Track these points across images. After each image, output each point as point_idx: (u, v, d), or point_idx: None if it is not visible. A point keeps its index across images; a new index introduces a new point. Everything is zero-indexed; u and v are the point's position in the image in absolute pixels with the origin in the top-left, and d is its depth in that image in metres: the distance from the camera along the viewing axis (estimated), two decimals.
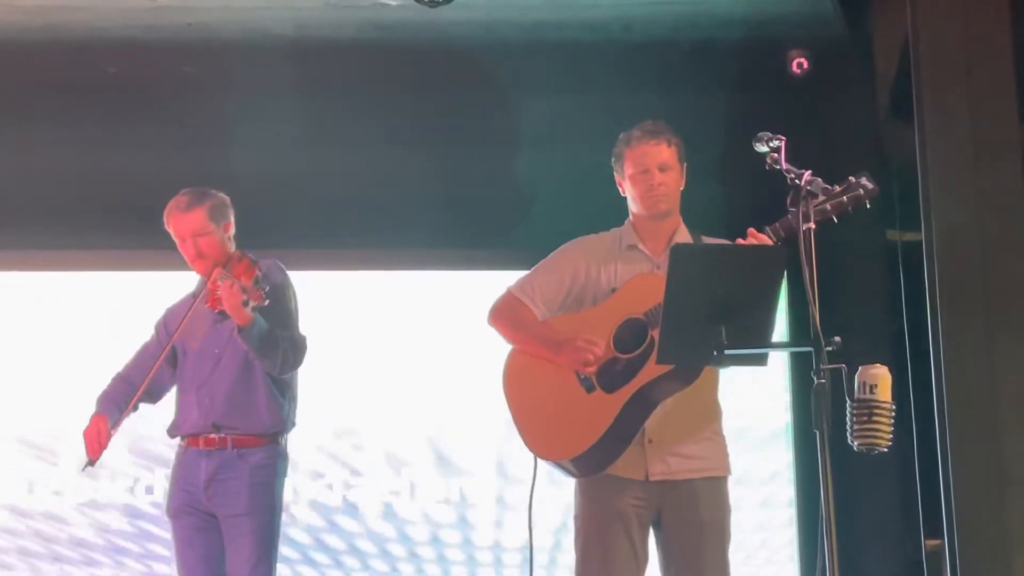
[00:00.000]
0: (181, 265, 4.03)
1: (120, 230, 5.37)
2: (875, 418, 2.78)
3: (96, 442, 3.79)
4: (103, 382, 3.97)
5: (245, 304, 3.55)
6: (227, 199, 3.89)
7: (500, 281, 3.62)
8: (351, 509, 5.49)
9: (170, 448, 4.00)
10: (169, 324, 3.94)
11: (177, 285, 4.04)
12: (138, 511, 5.46)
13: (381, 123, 5.41)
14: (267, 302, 3.59)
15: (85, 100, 5.39)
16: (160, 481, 5.37)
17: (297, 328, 3.84)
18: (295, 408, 3.89)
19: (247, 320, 3.59)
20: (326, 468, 5.49)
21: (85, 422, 3.85)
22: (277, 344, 3.70)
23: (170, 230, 3.85)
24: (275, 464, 3.81)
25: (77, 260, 5.62)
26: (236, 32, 5.21)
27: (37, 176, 5.43)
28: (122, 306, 5.36)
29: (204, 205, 3.82)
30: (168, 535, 4.00)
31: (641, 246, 3.50)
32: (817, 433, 2.78)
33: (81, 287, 5.58)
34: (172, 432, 3.92)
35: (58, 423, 5.43)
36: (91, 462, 3.81)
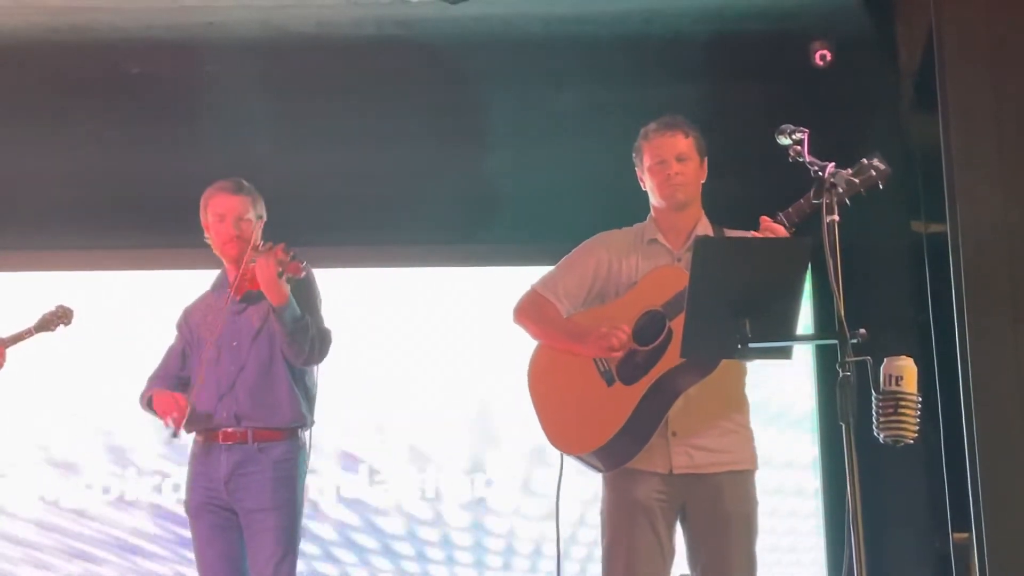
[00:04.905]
0: (205, 263, 4.05)
1: (145, 229, 5.40)
2: (901, 410, 2.77)
3: (177, 410, 3.71)
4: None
5: (280, 276, 3.60)
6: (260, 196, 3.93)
7: (524, 276, 3.63)
8: (373, 506, 5.51)
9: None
10: (189, 319, 3.96)
11: (202, 284, 4.05)
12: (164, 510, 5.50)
13: (402, 119, 5.41)
14: (303, 274, 3.65)
15: (108, 100, 5.42)
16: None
17: (323, 320, 3.86)
18: (314, 405, 3.89)
19: (283, 298, 3.63)
20: (343, 467, 5.50)
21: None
22: (307, 330, 3.72)
23: (208, 210, 3.88)
24: (296, 458, 3.80)
25: (100, 260, 5.64)
26: (257, 30, 5.22)
27: (60, 176, 5.46)
28: (146, 304, 5.38)
29: (249, 194, 3.88)
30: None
31: (662, 240, 3.50)
32: (843, 425, 2.78)
33: (103, 286, 5.59)
34: (189, 427, 3.85)
35: (80, 424, 5.51)
36: (175, 434, 3.74)
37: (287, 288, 3.65)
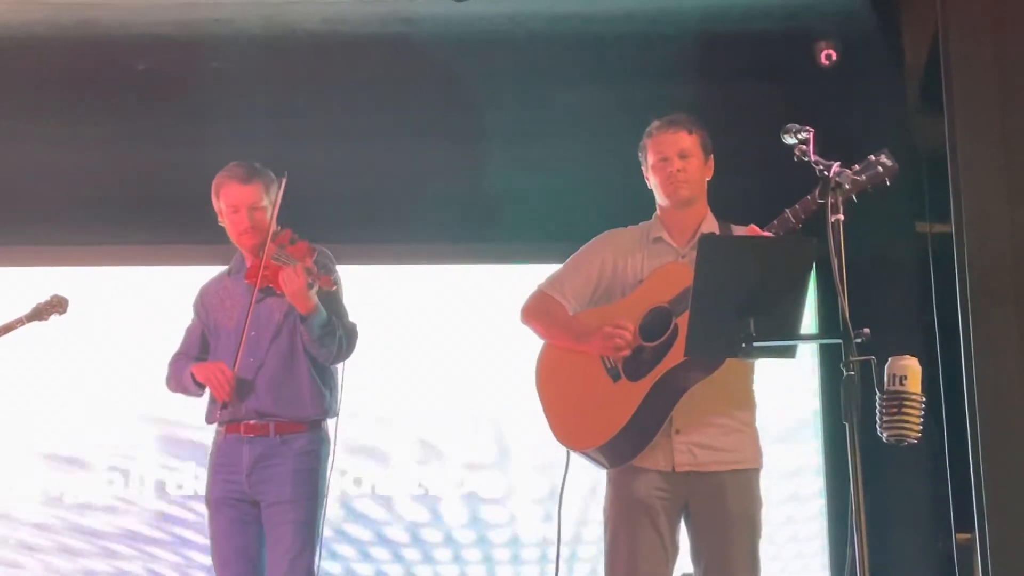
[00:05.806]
0: (213, 260, 4.04)
1: (151, 225, 5.40)
2: (905, 410, 2.77)
3: (223, 382, 3.66)
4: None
5: (311, 287, 3.56)
6: (274, 177, 3.85)
7: (527, 275, 3.63)
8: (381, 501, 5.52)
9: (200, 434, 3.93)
10: (205, 301, 3.93)
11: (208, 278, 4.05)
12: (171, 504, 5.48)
13: (407, 117, 5.41)
14: (335, 287, 3.60)
15: (114, 96, 5.42)
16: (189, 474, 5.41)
17: (347, 315, 3.83)
18: (336, 396, 3.85)
19: (311, 307, 3.60)
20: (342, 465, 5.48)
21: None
22: (334, 332, 3.69)
23: (220, 201, 3.82)
24: (318, 450, 3.77)
25: (107, 256, 5.64)
26: (263, 27, 5.22)
27: (67, 172, 5.47)
28: (154, 300, 5.38)
29: (262, 180, 3.81)
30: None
31: (667, 238, 3.51)
32: (847, 425, 2.78)
33: (106, 283, 5.58)
34: (210, 418, 3.85)
35: (83, 423, 5.50)
36: (226, 404, 3.71)
37: (316, 298, 3.61)
